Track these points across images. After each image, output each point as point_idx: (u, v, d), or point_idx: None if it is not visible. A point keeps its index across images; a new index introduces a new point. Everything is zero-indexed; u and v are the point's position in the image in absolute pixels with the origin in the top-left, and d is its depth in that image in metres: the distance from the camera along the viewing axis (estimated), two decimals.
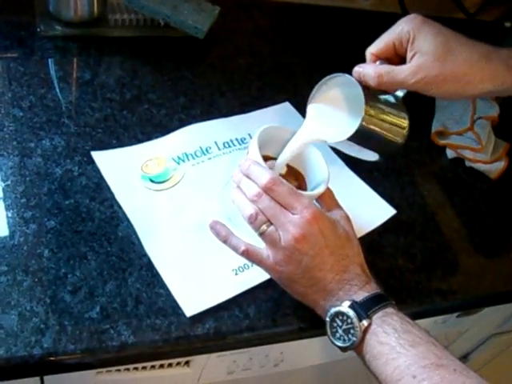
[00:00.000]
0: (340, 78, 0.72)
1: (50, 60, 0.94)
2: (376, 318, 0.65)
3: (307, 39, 1.20)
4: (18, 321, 0.63)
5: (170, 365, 0.76)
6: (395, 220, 0.88)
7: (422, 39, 0.69)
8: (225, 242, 0.71)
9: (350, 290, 0.67)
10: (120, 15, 1.02)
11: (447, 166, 1.05)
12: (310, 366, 0.93)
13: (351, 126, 0.69)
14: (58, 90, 0.90)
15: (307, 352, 0.88)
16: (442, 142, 1.06)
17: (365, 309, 0.65)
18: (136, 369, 0.74)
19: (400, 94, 0.74)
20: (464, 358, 1.24)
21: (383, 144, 0.74)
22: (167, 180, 0.82)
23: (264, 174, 0.68)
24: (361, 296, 0.66)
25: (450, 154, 1.05)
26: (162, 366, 0.75)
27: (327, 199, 0.75)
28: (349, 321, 0.65)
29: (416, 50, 0.69)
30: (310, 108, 0.75)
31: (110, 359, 0.66)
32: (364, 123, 0.68)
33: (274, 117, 0.97)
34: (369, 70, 0.70)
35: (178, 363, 0.76)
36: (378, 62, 0.73)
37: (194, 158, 0.85)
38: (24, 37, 0.96)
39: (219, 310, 0.70)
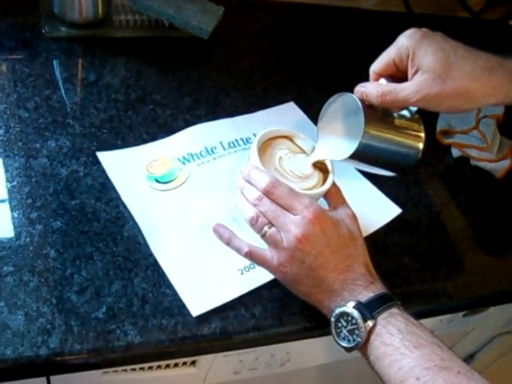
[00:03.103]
0: (346, 97, 0.72)
1: (54, 61, 0.95)
2: (381, 318, 0.65)
3: (311, 39, 1.20)
4: (24, 321, 0.63)
5: (176, 365, 0.76)
6: (400, 219, 0.88)
7: (422, 56, 0.68)
8: (228, 244, 0.71)
9: (355, 290, 0.67)
10: (124, 16, 1.03)
11: (452, 165, 1.04)
12: (316, 366, 0.93)
13: (352, 146, 0.69)
14: (63, 91, 0.90)
15: (313, 351, 0.88)
16: (447, 141, 1.06)
17: (369, 309, 0.65)
18: (142, 369, 0.74)
19: (414, 107, 0.73)
20: (470, 358, 1.24)
21: (395, 160, 0.75)
22: (172, 180, 0.82)
23: (263, 178, 0.69)
24: (366, 296, 0.66)
25: (456, 152, 1.05)
26: (168, 366, 0.75)
27: (334, 196, 0.75)
28: (353, 321, 0.65)
29: (417, 67, 0.68)
30: (319, 126, 0.76)
31: (117, 359, 0.66)
32: (366, 143, 0.69)
33: (278, 117, 0.97)
34: (371, 89, 0.70)
35: (184, 363, 0.76)
36: (381, 80, 0.73)
37: (199, 158, 0.85)
38: (29, 38, 0.96)
39: (225, 309, 0.70)
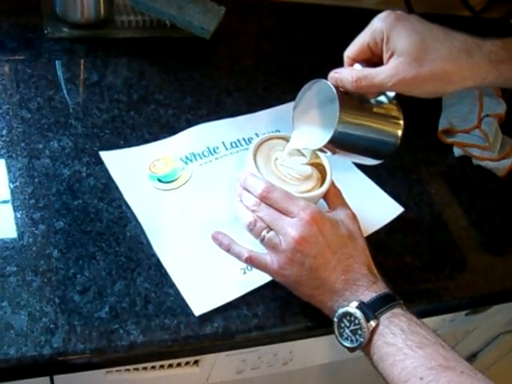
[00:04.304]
0: (321, 84, 0.71)
1: (57, 62, 0.95)
2: (383, 318, 0.65)
3: (313, 38, 1.20)
4: (27, 321, 0.63)
5: (178, 364, 0.76)
6: (402, 218, 0.88)
7: (397, 38, 0.66)
8: (228, 250, 0.72)
9: (357, 291, 0.67)
10: (126, 16, 1.03)
11: (454, 164, 1.04)
12: (319, 365, 0.93)
13: (327, 134, 0.68)
14: (65, 92, 0.90)
15: (316, 351, 0.88)
16: (449, 140, 1.05)
17: (372, 309, 0.65)
18: (145, 368, 0.74)
19: (391, 93, 0.72)
20: (472, 357, 1.24)
21: (374, 148, 0.73)
22: (175, 180, 0.82)
23: (258, 184, 0.70)
24: (368, 296, 0.66)
25: (457, 152, 1.05)
26: (170, 365, 0.75)
27: (333, 197, 0.75)
28: (356, 321, 0.65)
29: (392, 51, 0.67)
30: (294, 115, 0.75)
31: (120, 359, 0.66)
32: (342, 131, 0.67)
33: (280, 116, 0.97)
34: (346, 74, 0.68)
35: (187, 363, 0.76)
36: (355, 65, 0.71)
37: (201, 158, 0.85)
38: (31, 39, 0.97)
39: (228, 309, 0.70)
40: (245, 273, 0.74)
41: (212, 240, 0.73)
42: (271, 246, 0.68)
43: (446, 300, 0.83)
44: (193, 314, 0.69)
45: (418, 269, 0.84)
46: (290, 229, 0.67)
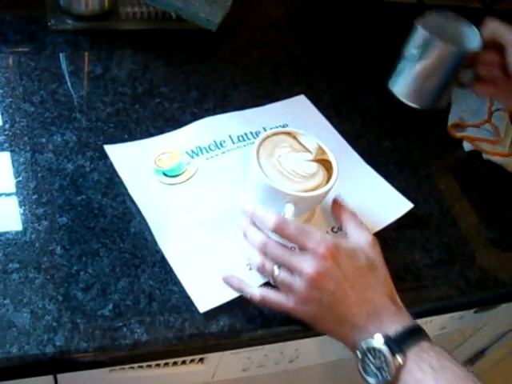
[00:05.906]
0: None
1: (60, 54, 0.94)
2: (411, 353, 0.61)
3: (321, 30, 1.19)
4: (30, 319, 0.62)
5: (183, 362, 0.76)
6: (411, 214, 0.86)
7: None
8: (241, 292, 0.69)
9: (381, 323, 0.63)
10: (131, 8, 1.02)
11: (464, 158, 1.03)
12: (326, 363, 0.93)
13: None
14: (69, 85, 0.89)
15: (322, 349, 0.87)
16: (459, 134, 1.04)
17: (399, 344, 0.61)
18: (149, 366, 0.73)
19: None
20: (480, 354, 1.23)
21: None
22: (181, 174, 0.81)
23: (269, 218, 0.67)
24: (393, 329, 0.62)
25: (467, 146, 1.03)
26: (175, 363, 0.75)
27: (350, 221, 0.72)
28: (382, 357, 0.61)
29: None
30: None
31: (123, 357, 0.65)
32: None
33: (288, 110, 0.95)
34: None
35: (192, 360, 0.76)
36: None
37: (207, 152, 0.84)
38: (35, 31, 0.96)
39: (233, 306, 0.69)
40: (251, 269, 0.73)
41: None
42: (285, 286, 0.65)
43: (455, 297, 0.81)
44: (198, 312, 0.68)
45: (426, 266, 0.82)
46: (305, 265, 0.64)
